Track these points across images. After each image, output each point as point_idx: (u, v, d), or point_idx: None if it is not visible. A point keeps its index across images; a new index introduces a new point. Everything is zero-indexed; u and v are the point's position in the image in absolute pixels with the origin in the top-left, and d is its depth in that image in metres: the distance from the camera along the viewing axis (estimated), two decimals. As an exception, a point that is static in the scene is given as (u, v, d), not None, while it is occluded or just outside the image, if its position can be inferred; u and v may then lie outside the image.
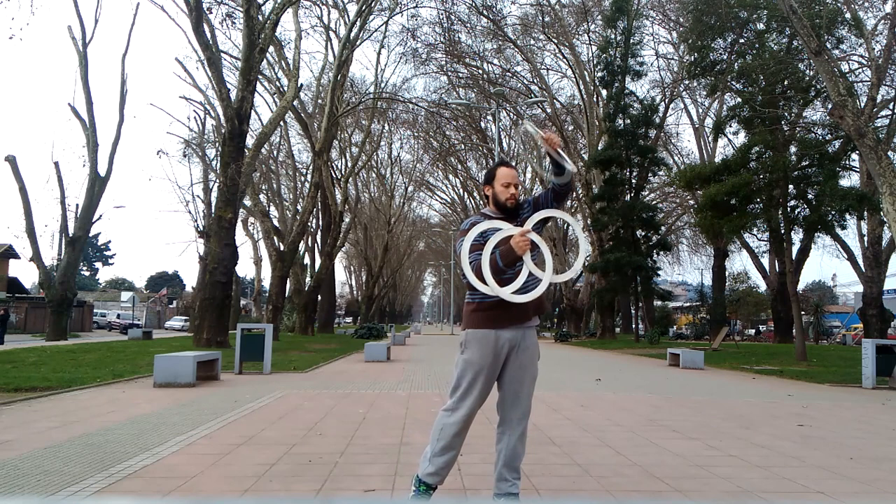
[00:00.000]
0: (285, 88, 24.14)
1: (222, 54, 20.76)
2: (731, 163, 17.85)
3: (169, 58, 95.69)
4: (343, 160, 36.70)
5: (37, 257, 25.28)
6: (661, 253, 31.16)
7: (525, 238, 2.87)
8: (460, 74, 36.23)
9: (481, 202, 50.77)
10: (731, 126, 19.96)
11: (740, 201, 17.11)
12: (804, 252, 27.62)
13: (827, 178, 16.07)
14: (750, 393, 9.00)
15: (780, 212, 17.32)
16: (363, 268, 53.12)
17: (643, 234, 27.35)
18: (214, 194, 26.71)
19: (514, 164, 3.14)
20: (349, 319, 72.97)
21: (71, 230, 25.95)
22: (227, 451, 4.38)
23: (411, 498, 3.02)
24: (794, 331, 19.12)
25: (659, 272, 31.26)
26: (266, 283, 40.09)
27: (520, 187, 3.13)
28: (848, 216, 17.17)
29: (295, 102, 24.71)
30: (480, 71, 35.30)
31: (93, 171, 25.38)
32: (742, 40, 19.23)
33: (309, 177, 30.21)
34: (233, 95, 17.50)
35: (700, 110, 34.83)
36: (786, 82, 17.66)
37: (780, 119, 17.57)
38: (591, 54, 31.71)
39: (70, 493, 3.30)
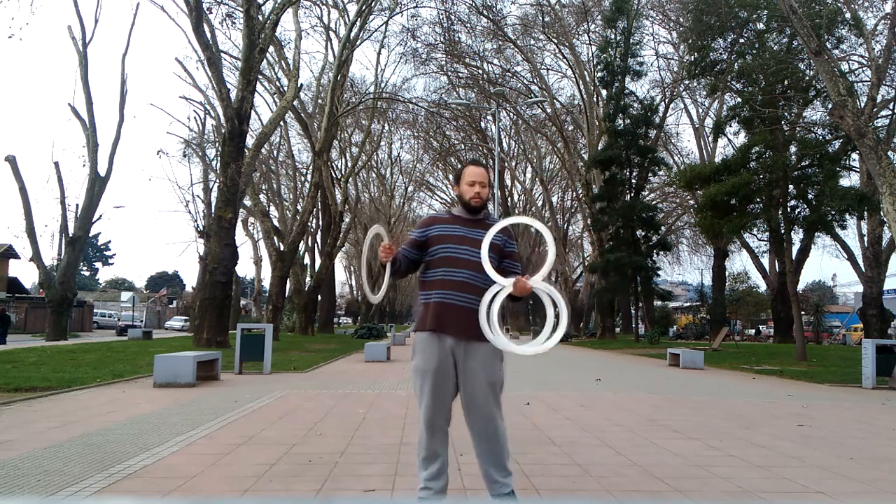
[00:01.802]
0: (285, 88, 24.13)
1: (222, 54, 20.76)
2: (731, 163, 17.85)
3: (169, 58, 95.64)
4: (343, 160, 36.70)
5: (37, 257, 25.28)
6: (661, 253, 31.14)
7: (386, 248, 2.87)
8: (460, 74, 36.23)
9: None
10: (731, 126, 19.97)
11: (740, 201, 17.11)
12: (804, 252, 27.61)
13: (827, 178, 16.07)
14: (750, 393, 9.00)
15: (780, 212, 17.32)
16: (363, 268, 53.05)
17: (643, 234, 27.34)
18: (214, 194, 26.72)
19: (486, 163, 3.10)
20: (348, 319, 72.93)
21: (71, 230, 25.95)
22: (227, 451, 4.38)
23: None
24: (794, 330, 19.12)
25: (659, 272, 31.25)
26: (266, 283, 40.10)
27: (487, 187, 3.00)
28: (848, 216, 17.18)
29: (295, 102, 24.70)
30: (480, 71, 35.29)
31: (93, 171, 25.38)
32: (742, 40, 19.23)
33: (309, 177, 30.22)
34: (233, 95, 17.50)
35: (700, 110, 34.83)
36: (786, 82, 17.65)
37: (780, 119, 17.56)
38: (591, 54, 31.72)
39: (70, 493, 3.30)
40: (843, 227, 18.79)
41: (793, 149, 17.84)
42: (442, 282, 2.91)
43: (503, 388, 3.09)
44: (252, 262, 45.49)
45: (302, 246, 32.00)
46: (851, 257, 26.65)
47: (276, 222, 30.97)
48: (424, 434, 2.95)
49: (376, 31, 28.47)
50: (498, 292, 2.81)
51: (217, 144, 26.64)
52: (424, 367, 2.91)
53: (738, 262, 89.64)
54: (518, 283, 2.78)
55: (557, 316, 2.85)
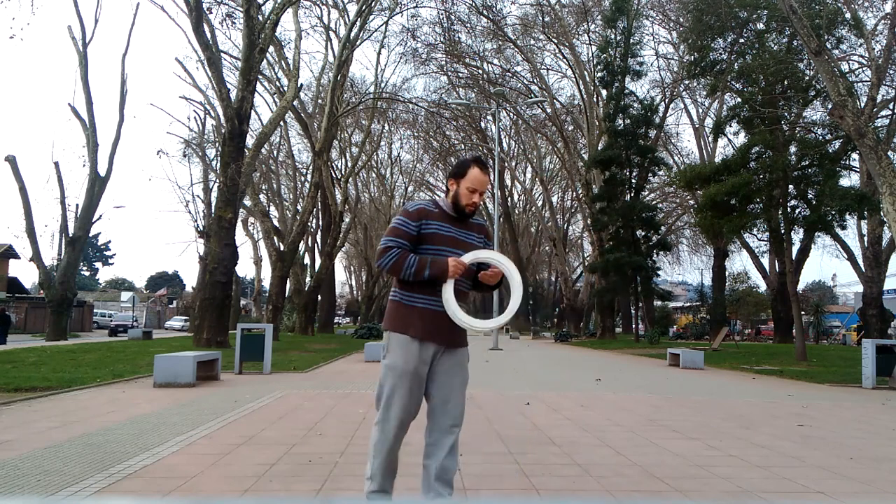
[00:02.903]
0: (285, 88, 24.13)
1: (222, 54, 20.77)
2: (731, 163, 17.85)
3: (169, 58, 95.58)
4: (343, 160, 36.70)
5: (37, 257, 25.28)
6: (661, 253, 31.15)
7: (460, 265, 2.71)
8: (460, 74, 36.25)
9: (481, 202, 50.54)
10: (731, 126, 19.96)
11: (740, 201, 17.11)
12: (804, 252, 27.60)
13: (827, 178, 16.07)
14: (750, 393, 9.00)
15: (780, 212, 17.32)
16: (363, 268, 53.10)
17: (643, 234, 27.35)
18: (214, 194, 26.72)
19: (490, 167, 2.97)
20: (348, 319, 72.89)
21: (71, 230, 25.95)
22: (227, 451, 4.38)
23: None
24: (794, 331, 19.12)
25: (659, 272, 31.24)
26: (266, 283, 40.11)
27: (483, 195, 2.93)
28: (848, 216, 17.18)
29: (295, 102, 24.70)
30: (480, 71, 35.31)
31: (93, 171, 25.38)
32: (742, 40, 19.23)
33: (309, 177, 30.22)
34: (233, 95, 17.50)
35: (700, 110, 34.84)
36: (786, 82, 17.65)
37: (780, 119, 17.57)
38: (591, 54, 31.73)
39: (70, 493, 3.30)
40: (843, 227, 18.79)
41: (793, 149, 17.83)
42: (432, 286, 2.76)
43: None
44: (252, 262, 45.55)
45: (302, 246, 32.00)
46: (851, 257, 26.65)
47: (276, 222, 30.97)
48: (391, 441, 2.76)
49: (376, 31, 28.51)
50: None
51: (217, 144, 26.65)
52: (404, 368, 2.76)
53: (738, 262, 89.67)
54: (491, 271, 2.81)
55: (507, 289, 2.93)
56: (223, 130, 17.90)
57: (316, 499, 3.32)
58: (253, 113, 21.71)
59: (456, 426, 2.79)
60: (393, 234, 2.77)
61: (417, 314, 2.78)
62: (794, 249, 22.44)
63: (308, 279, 31.88)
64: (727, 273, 37.27)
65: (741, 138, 20.43)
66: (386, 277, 54.88)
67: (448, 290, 2.74)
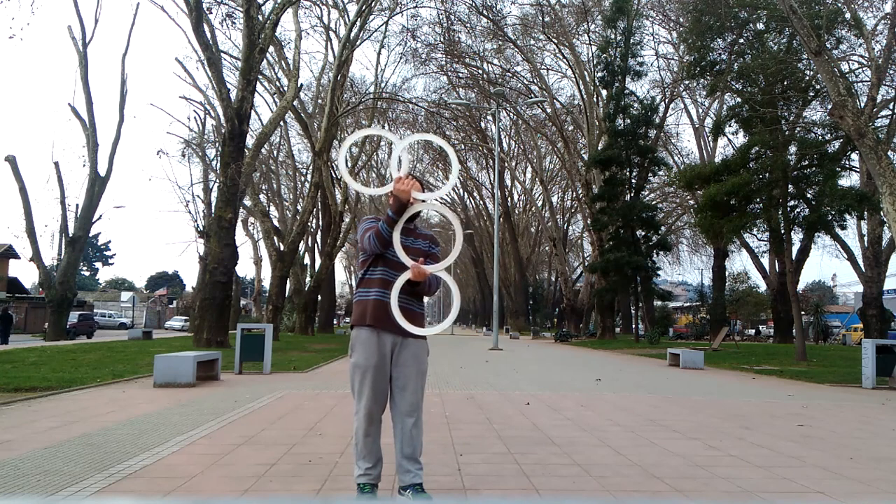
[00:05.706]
0: (285, 88, 24.14)
1: (222, 54, 20.75)
2: (731, 163, 17.86)
3: (169, 58, 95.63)
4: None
5: (37, 257, 25.28)
6: (661, 253, 31.14)
7: (404, 183, 3.10)
8: (460, 74, 36.26)
9: (481, 202, 50.74)
10: (730, 126, 19.96)
11: (740, 201, 17.11)
12: (804, 252, 27.58)
13: (827, 178, 16.07)
14: (750, 393, 9.00)
15: (780, 212, 17.32)
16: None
17: (643, 234, 27.35)
18: (214, 194, 26.73)
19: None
20: (348, 319, 72.84)
21: (71, 230, 25.96)
22: (227, 451, 4.38)
23: (356, 498, 3.17)
24: (794, 331, 19.12)
25: (659, 272, 31.23)
26: (266, 283, 40.11)
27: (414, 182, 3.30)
28: (848, 216, 17.18)
29: (295, 102, 24.68)
30: (480, 71, 35.32)
31: (93, 171, 25.39)
32: (742, 40, 19.23)
33: (309, 177, 30.21)
34: (233, 95, 17.50)
35: (700, 110, 34.86)
36: (786, 82, 17.65)
37: (780, 119, 17.57)
38: (591, 54, 31.74)
39: (70, 493, 3.30)
40: (843, 227, 18.79)
41: (792, 149, 17.83)
42: (381, 281, 3.18)
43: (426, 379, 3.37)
44: (252, 262, 45.56)
45: (302, 246, 31.99)
46: (851, 257, 26.63)
47: (276, 222, 30.98)
48: (363, 428, 3.16)
49: (376, 31, 28.48)
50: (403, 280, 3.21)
51: (217, 144, 26.65)
52: (365, 364, 3.14)
53: (738, 262, 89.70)
54: (414, 268, 3.11)
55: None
56: (223, 130, 17.91)
57: (316, 499, 3.32)
58: (253, 113, 21.72)
59: (414, 410, 3.18)
60: (365, 229, 3.28)
61: (371, 305, 3.18)
62: (794, 249, 22.43)
63: (308, 279, 31.87)
64: (727, 273, 37.28)
65: (741, 138, 20.45)
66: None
67: (394, 301, 3.11)
